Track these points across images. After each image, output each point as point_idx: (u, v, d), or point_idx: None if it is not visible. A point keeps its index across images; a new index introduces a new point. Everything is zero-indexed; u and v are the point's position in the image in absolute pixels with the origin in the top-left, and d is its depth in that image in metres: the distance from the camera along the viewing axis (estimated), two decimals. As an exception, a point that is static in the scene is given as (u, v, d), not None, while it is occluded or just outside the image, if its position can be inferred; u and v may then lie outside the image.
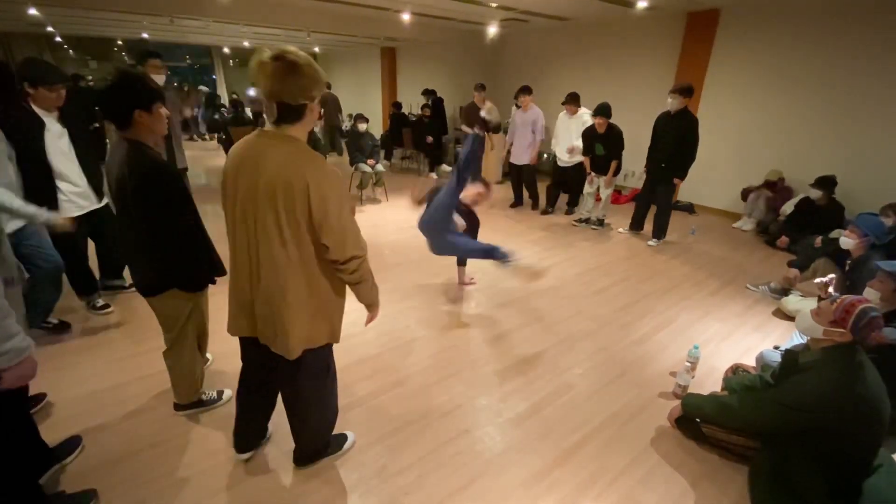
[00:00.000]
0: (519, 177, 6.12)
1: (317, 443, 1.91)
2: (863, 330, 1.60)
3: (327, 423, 1.90)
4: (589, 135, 5.06)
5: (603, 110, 4.79)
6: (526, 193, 6.22)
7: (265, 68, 1.26)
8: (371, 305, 1.68)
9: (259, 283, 1.47)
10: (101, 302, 3.13)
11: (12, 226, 2.31)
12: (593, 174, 5.24)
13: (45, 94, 2.51)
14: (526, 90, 5.63)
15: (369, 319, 1.73)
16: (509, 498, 1.84)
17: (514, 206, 6.31)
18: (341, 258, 1.42)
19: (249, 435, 1.97)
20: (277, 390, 1.87)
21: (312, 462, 1.93)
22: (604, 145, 4.95)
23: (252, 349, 1.71)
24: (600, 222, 5.41)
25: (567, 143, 5.44)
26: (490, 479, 1.93)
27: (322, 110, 6.35)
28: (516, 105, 5.97)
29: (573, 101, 5.34)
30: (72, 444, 1.96)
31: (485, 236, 4.89)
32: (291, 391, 1.74)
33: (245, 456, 1.95)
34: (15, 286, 1.40)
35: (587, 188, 5.37)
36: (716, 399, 2.01)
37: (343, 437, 2.04)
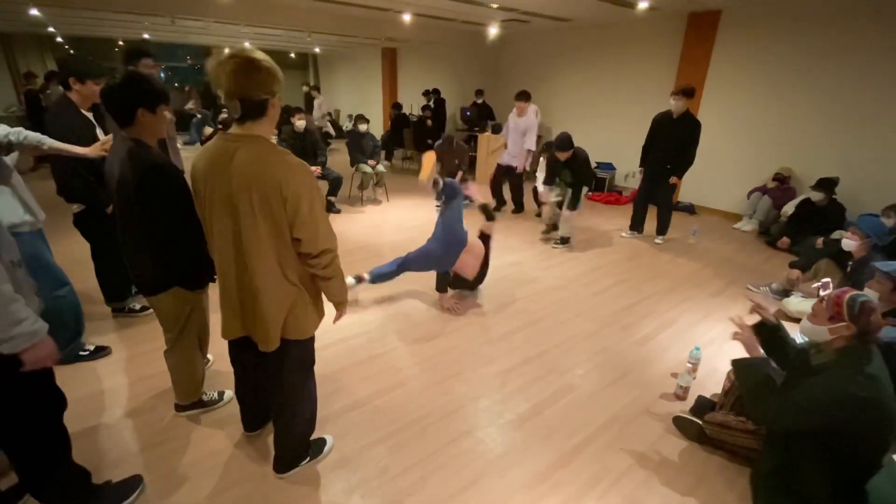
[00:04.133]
0: (502, 180, 5.98)
1: (298, 445, 1.89)
2: (861, 316, 1.59)
3: (309, 420, 1.89)
4: (552, 164, 4.87)
5: (561, 145, 4.48)
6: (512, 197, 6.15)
7: (224, 67, 1.28)
8: (340, 303, 1.68)
9: (245, 282, 1.51)
10: (139, 305, 3.09)
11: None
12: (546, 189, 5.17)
13: (92, 88, 2.55)
14: (523, 96, 5.52)
15: (338, 317, 1.72)
16: (511, 499, 1.84)
17: (495, 208, 6.15)
18: (314, 251, 1.43)
19: (255, 419, 2.07)
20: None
21: (291, 468, 1.89)
22: (570, 172, 4.70)
23: (243, 351, 1.76)
24: (564, 241, 4.86)
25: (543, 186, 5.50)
26: (492, 480, 1.92)
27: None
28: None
29: (556, 148, 5.28)
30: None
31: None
32: (277, 385, 1.75)
33: (255, 433, 2.08)
34: (20, 269, 1.38)
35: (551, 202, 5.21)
36: (767, 379, 1.83)
37: (322, 442, 2.02)
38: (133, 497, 1.74)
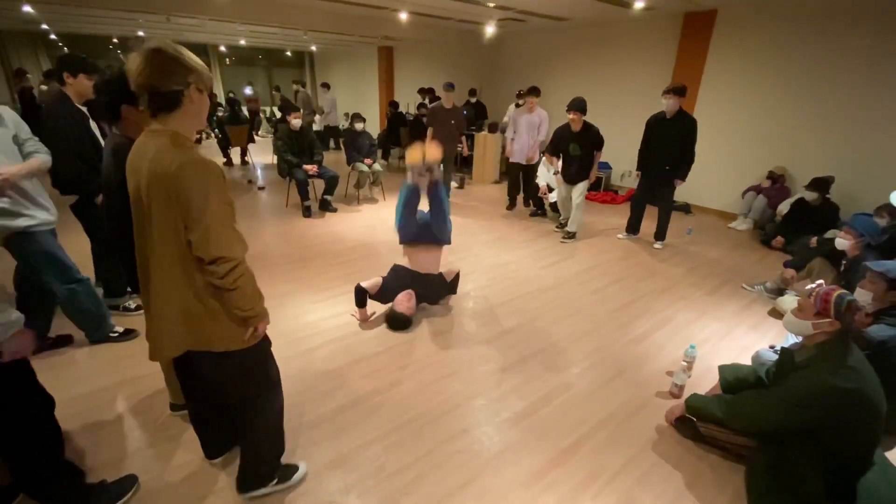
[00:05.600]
0: (518, 178, 5.97)
1: (260, 463, 1.76)
2: (846, 314, 1.65)
3: (272, 440, 1.76)
4: (561, 134, 4.81)
5: (578, 105, 4.51)
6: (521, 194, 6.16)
7: (133, 62, 1.23)
8: (247, 318, 1.44)
9: (147, 285, 1.40)
10: (133, 304, 3.13)
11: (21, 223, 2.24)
12: (546, 189, 5.45)
13: (84, 83, 2.65)
14: (534, 91, 5.52)
15: (249, 334, 1.48)
16: (508, 497, 1.84)
17: (510, 208, 6.14)
18: (205, 257, 1.29)
19: (217, 441, 1.93)
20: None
21: (251, 489, 1.77)
22: (580, 145, 4.69)
23: (180, 365, 1.68)
24: (570, 235, 5.00)
25: (544, 182, 5.65)
26: (488, 478, 1.92)
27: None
28: (517, 104, 5.91)
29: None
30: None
31: (478, 238, 4.90)
32: (224, 399, 1.63)
33: (218, 460, 1.94)
34: None
35: (556, 196, 5.35)
36: (721, 400, 2.01)
37: (293, 468, 1.87)
38: (127, 497, 1.74)
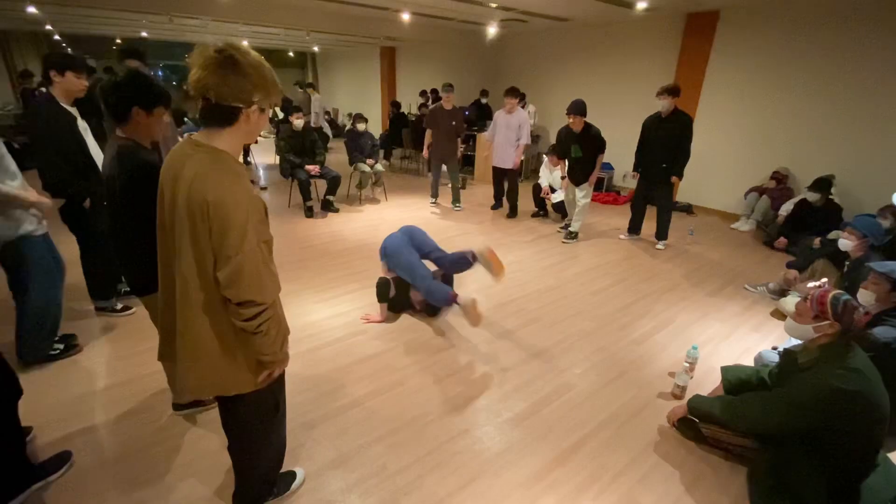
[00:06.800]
0: (502, 181, 5.91)
1: (259, 486, 1.68)
2: (844, 315, 1.65)
3: (272, 463, 1.69)
4: (564, 136, 4.84)
5: (576, 108, 4.50)
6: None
7: (200, 58, 1.08)
8: (267, 362, 1.34)
9: (172, 308, 1.28)
10: (119, 305, 3.11)
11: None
12: (548, 189, 5.50)
13: (73, 80, 2.57)
14: (512, 92, 5.37)
15: (263, 377, 1.37)
16: (509, 497, 1.84)
17: (494, 207, 6.14)
18: (233, 299, 1.17)
19: None
20: None
21: None
22: (581, 147, 4.66)
23: None
24: (572, 235, 4.99)
25: (546, 182, 5.64)
26: (489, 478, 1.92)
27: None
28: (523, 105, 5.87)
29: (553, 152, 5.35)
30: (61, 459, 1.88)
31: (479, 239, 4.87)
32: (232, 430, 1.52)
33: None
34: None
35: (560, 196, 5.35)
36: (723, 401, 2.00)
37: (291, 476, 1.84)
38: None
